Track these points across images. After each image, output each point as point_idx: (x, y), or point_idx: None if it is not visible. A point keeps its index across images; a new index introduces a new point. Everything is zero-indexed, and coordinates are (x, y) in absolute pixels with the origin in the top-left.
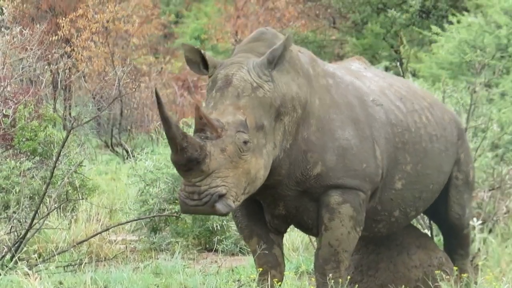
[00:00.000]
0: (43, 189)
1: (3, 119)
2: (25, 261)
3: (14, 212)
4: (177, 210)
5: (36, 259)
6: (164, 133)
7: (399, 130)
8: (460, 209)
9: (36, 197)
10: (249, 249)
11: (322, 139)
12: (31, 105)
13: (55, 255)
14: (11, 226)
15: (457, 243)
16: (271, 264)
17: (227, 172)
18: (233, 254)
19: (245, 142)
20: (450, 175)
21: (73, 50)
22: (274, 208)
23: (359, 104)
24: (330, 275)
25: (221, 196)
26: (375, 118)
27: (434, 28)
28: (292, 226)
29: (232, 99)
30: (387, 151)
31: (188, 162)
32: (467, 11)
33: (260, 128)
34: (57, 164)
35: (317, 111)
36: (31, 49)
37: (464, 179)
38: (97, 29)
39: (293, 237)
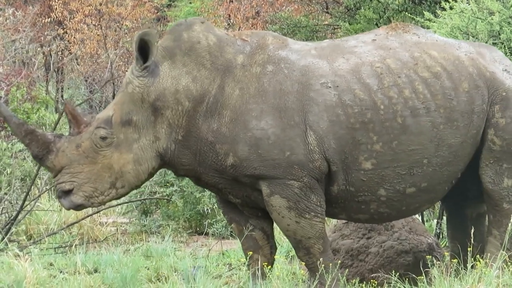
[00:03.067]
0: (35, 171)
1: None
2: (16, 242)
3: (6, 194)
4: (168, 193)
5: (27, 241)
6: None
7: (356, 110)
8: (495, 175)
9: (27, 179)
10: None
11: (234, 130)
12: (23, 87)
13: (46, 237)
14: (2, 208)
15: (492, 220)
16: (252, 248)
17: (80, 168)
18: (223, 238)
19: (103, 138)
20: (484, 137)
21: (66, 32)
22: (226, 197)
23: (299, 90)
24: (305, 261)
25: (67, 192)
26: (316, 103)
27: (427, 14)
28: None
29: (116, 95)
30: (334, 134)
31: (34, 158)
32: None
33: (127, 123)
34: None
35: (233, 102)
36: (24, 31)
37: (504, 147)
38: (90, 11)
39: None
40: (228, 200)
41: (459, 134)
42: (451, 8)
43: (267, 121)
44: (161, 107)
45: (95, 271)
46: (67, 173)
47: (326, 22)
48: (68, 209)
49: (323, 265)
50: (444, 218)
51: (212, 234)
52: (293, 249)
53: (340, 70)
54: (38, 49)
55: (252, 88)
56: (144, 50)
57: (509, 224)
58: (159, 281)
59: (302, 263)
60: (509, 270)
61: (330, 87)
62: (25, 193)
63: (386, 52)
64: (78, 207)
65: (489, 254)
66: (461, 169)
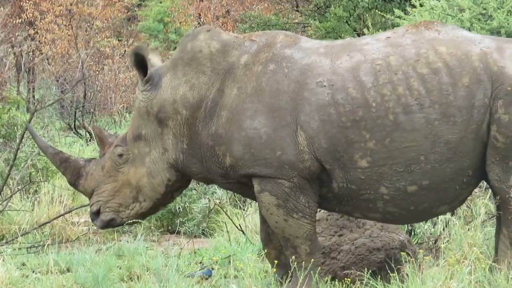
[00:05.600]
0: (7, 171)
1: None
2: None
3: None
4: None
5: None
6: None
7: (348, 109)
8: (501, 173)
9: None
10: (211, 231)
11: (229, 131)
12: None
13: (18, 237)
14: None
15: (502, 218)
16: (264, 242)
17: (105, 187)
18: (195, 236)
19: (120, 155)
20: (489, 133)
21: (37, 32)
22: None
23: (294, 89)
24: (293, 258)
25: (96, 214)
26: (309, 102)
27: (397, 12)
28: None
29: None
30: (326, 133)
31: (71, 185)
32: None
33: (138, 138)
34: (20, 146)
35: (230, 102)
36: None
37: (508, 144)
38: (61, 11)
39: (255, 219)
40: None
41: (457, 129)
42: (421, 5)
43: (260, 120)
44: (164, 118)
45: (68, 270)
46: (96, 194)
47: (296, 21)
48: (102, 228)
49: (297, 262)
50: None
51: (184, 232)
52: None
53: (339, 68)
54: (9, 49)
55: (250, 87)
56: (141, 64)
57: None
58: (131, 280)
59: (275, 261)
60: (481, 266)
61: (325, 86)
62: None
63: (393, 49)
64: (110, 223)
65: (500, 252)
66: (468, 166)
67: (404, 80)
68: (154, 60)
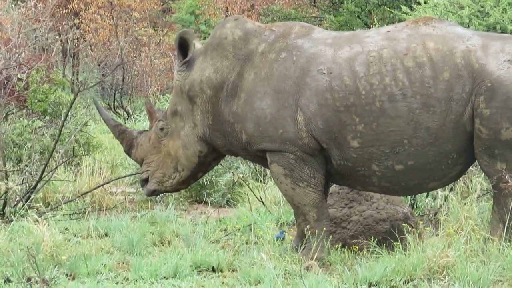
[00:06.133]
0: (52, 145)
1: (18, 82)
2: (35, 209)
3: (26, 165)
4: None
5: (45, 208)
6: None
7: (341, 95)
8: (488, 159)
9: (46, 153)
10: (234, 202)
11: (244, 110)
12: (42, 70)
13: (62, 204)
14: (23, 178)
15: (493, 197)
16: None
17: (152, 158)
18: (220, 206)
19: (161, 129)
20: (473, 126)
21: (81, 22)
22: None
23: (299, 75)
24: (303, 225)
25: (145, 181)
26: (309, 87)
27: (404, 8)
28: (272, 183)
29: None
30: (322, 116)
31: (126, 154)
32: None
33: (175, 114)
34: (65, 123)
35: (247, 85)
36: (44, 20)
37: (492, 135)
38: (103, 3)
39: (274, 191)
40: None
41: (436, 118)
42: (425, 2)
43: (267, 102)
44: (193, 96)
45: (106, 235)
46: (144, 163)
47: (314, 15)
48: (148, 195)
49: (311, 232)
50: None
51: (210, 203)
52: (282, 216)
53: (339, 58)
54: (56, 37)
55: (263, 72)
56: (183, 47)
57: (510, 199)
58: (163, 245)
59: (291, 229)
60: (476, 237)
61: (324, 73)
62: (43, 165)
63: (389, 42)
64: (154, 193)
65: (492, 225)
66: (450, 150)
67: (392, 71)
68: (197, 45)
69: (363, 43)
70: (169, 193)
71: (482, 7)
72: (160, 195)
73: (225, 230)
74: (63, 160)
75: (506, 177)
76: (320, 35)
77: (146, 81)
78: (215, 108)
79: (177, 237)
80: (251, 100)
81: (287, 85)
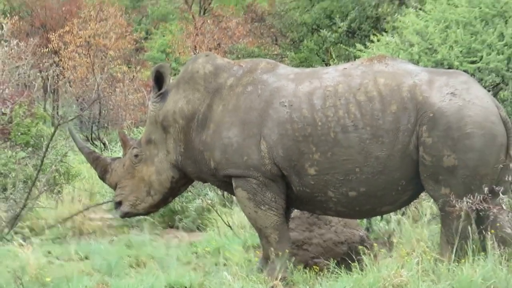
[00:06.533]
0: (35, 174)
1: (2, 116)
2: (20, 234)
3: (11, 193)
4: None
5: (29, 233)
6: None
7: (300, 126)
8: (434, 184)
9: (29, 181)
10: (204, 227)
11: (213, 139)
12: (25, 105)
13: (45, 230)
14: (8, 205)
15: (441, 219)
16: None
17: (126, 182)
18: (191, 231)
19: (136, 156)
20: (418, 154)
21: (61, 60)
22: (231, 194)
23: (263, 107)
24: (267, 247)
25: (118, 204)
26: (272, 118)
27: (358, 46)
28: (239, 208)
29: None
30: (283, 145)
31: (100, 179)
32: (386, 32)
33: (149, 142)
34: (46, 154)
35: (216, 116)
36: (26, 58)
37: (435, 162)
38: (81, 43)
39: (241, 217)
40: None
41: (385, 148)
42: (378, 40)
43: (234, 131)
44: (167, 126)
45: (86, 258)
46: (118, 187)
47: (276, 52)
48: (121, 217)
49: (274, 253)
50: None
51: (182, 227)
52: (248, 240)
53: (299, 92)
54: (38, 74)
55: (231, 104)
56: (159, 80)
57: (456, 222)
58: (139, 267)
59: (257, 252)
60: (427, 258)
61: (285, 105)
62: (27, 193)
63: (344, 78)
64: (127, 215)
65: (441, 247)
66: (399, 177)
67: (345, 105)
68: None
69: (321, 79)
70: (144, 217)
71: (430, 44)
72: (135, 219)
73: (196, 253)
74: (45, 188)
75: (452, 201)
76: (283, 70)
77: (121, 114)
78: (186, 137)
79: (152, 259)
80: (219, 130)
81: (252, 116)
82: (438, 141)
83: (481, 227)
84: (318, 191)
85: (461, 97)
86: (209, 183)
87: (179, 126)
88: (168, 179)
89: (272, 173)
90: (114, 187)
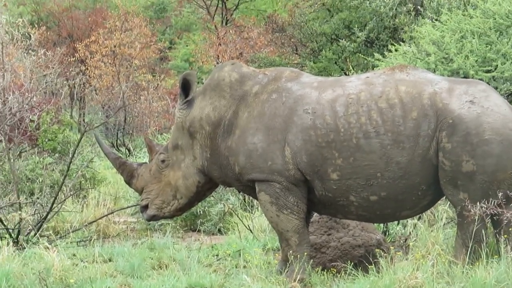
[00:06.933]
0: (61, 180)
1: (30, 123)
2: (45, 237)
3: (38, 198)
4: None
5: (55, 236)
6: (158, 136)
7: (323, 132)
8: (452, 189)
9: (55, 186)
10: (225, 230)
11: (238, 145)
12: (52, 112)
13: (70, 233)
14: (35, 209)
15: (458, 223)
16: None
17: (152, 187)
18: (213, 234)
19: (163, 161)
20: (438, 159)
21: (87, 69)
22: (254, 199)
23: (287, 114)
24: (287, 250)
25: (144, 207)
26: (296, 125)
27: (376, 55)
28: (259, 212)
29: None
30: (306, 151)
31: (126, 183)
32: (403, 41)
33: (176, 147)
34: (72, 160)
35: (242, 122)
36: (53, 67)
37: (454, 167)
38: (107, 52)
39: (261, 220)
40: None
41: (405, 153)
42: (396, 50)
43: (259, 137)
44: (193, 132)
45: (110, 260)
46: (144, 192)
47: (296, 61)
48: (148, 220)
49: (293, 256)
50: None
51: (203, 231)
52: (268, 243)
53: (322, 99)
54: (64, 82)
55: (256, 111)
56: (186, 87)
57: (472, 226)
58: (161, 269)
59: (277, 254)
60: (442, 261)
61: (309, 112)
62: (53, 198)
63: (367, 86)
64: (153, 218)
65: (456, 250)
66: (419, 182)
67: (367, 111)
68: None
69: (344, 87)
70: (167, 221)
71: (446, 54)
72: (158, 223)
73: (217, 255)
74: (71, 193)
75: (467, 206)
76: (307, 79)
77: (145, 121)
78: (213, 143)
79: (173, 261)
80: (244, 135)
81: (276, 122)
82: (457, 147)
83: (495, 231)
84: (340, 196)
85: (479, 104)
86: (231, 188)
87: (205, 132)
88: (194, 183)
89: (296, 178)
90: (140, 191)
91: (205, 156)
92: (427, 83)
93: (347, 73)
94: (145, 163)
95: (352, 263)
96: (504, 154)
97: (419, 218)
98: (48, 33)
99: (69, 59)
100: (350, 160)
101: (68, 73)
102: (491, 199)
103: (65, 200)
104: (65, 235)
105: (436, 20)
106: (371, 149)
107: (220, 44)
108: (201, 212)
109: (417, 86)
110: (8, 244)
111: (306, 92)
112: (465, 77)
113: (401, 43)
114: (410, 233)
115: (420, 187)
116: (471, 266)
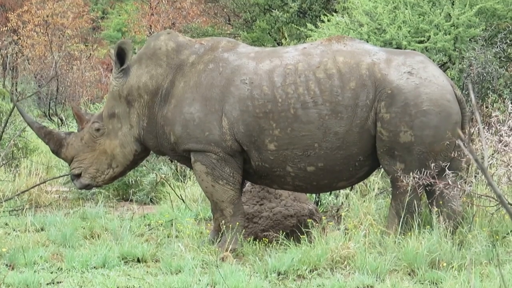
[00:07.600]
0: None
1: None
2: None
3: None
4: None
5: None
6: (91, 106)
7: (261, 103)
8: (389, 159)
9: None
10: (157, 200)
11: (174, 114)
12: None
13: (2, 202)
14: None
15: (392, 193)
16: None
17: (84, 156)
18: (145, 204)
19: (97, 130)
20: (376, 129)
21: (19, 38)
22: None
23: (224, 84)
24: (220, 220)
25: (77, 176)
26: (233, 95)
27: (309, 26)
28: (192, 182)
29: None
30: (244, 121)
31: (53, 153)
32: (336, 12)
33: (112, 116)
34: (5, 129)
35: (178, 92)
36: None
37: (392, 138)
38: (39, 22)
39: (193, 190)
40: None
41: (343, 123)
42: (328, 20)
43: (196, 107)
44: (131, 100)
45: (42, 229)
46: (76, 161)
47: (229, 32)
48: (80, 189)
49: (226, 226)
50: None
51: (135, 200)
52: (200, 213)
53: (260, 70)
54: None
55: (192, 81)
56: (121, 56)
57: (405, 196)
58: (93, 238)
59: (209, 224)
60: (374, 231)
61: (246, 83)
62: None
63: (304, 57)
64: (87, 187)
65: (389, 220)
66: (357, 153)
67: (305, 82)
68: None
69: (281, 57)
70: (99, 190)
71: (379, 24)
72: (90, 192)
73: (149, 225)
74: (3, 162)
75: (402, 177)
76: (244, 49)
77: (78, 91)
78: (150, 112)
79: (106, 231)
80: (180, 105)
81: (213, 92)
82: (396, 117)
83: (428, 201)
84: (277, 166)
85: (418, 75)
86: (164, 158)
87: (143, 101)
88: (132, 152)
89: (232, 149)
90: (69, 160)
91: (142, 125)
92: (365, 54)
93: (280, 43)
94: (73, 132)
95: (284, 233)
96: (442, 125)
97: (351, 188)
98: None
99: (2, 29)
100: (288, 130)
101: (0, 43)
102: (426, 170)
103: None
104: None
105: None
106: (309, 119)
107: (153, 14)
108: (133, 182)
109: (355, 57)
110: None
111: (243, 63)
112: (398, 47)
113: (334, 13)
114: (342, 203)
115: (358, 157)
116: (403, 237)
